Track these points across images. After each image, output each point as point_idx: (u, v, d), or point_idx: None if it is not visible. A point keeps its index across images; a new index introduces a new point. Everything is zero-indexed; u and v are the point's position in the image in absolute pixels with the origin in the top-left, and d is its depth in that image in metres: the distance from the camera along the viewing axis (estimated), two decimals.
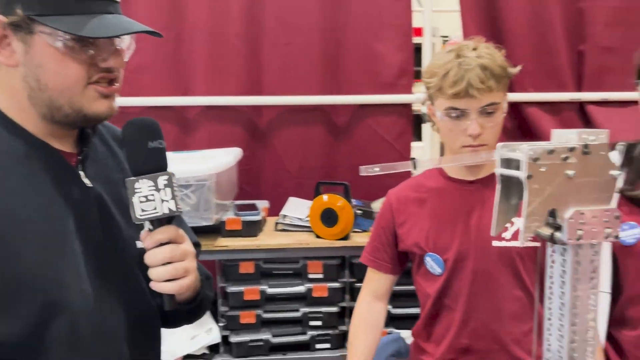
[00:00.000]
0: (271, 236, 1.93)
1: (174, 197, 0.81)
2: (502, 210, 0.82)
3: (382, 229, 1.42)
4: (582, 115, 2.22)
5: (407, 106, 2.24)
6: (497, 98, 1.24)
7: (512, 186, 0.81)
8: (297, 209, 2.01)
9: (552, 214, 0.76)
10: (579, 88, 2.22)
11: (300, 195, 2.14)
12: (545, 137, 2.35)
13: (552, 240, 0.77)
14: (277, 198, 2.15)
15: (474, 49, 1.24)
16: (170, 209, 0.81)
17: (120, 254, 0.90)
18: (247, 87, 2.18)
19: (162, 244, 0.82)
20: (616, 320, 1.31)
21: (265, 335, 1.83)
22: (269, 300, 1.87)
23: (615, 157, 1.38)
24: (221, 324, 1.86)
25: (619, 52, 2.16)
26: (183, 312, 0.95)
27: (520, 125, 2.21)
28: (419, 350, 1.43)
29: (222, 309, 1.86)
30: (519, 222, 1.26)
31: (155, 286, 0.82)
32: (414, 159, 0.82)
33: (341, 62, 2.19)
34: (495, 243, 1.27)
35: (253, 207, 1.97)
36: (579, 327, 0.79)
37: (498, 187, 0.81)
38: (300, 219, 1.95)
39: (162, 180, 0.81)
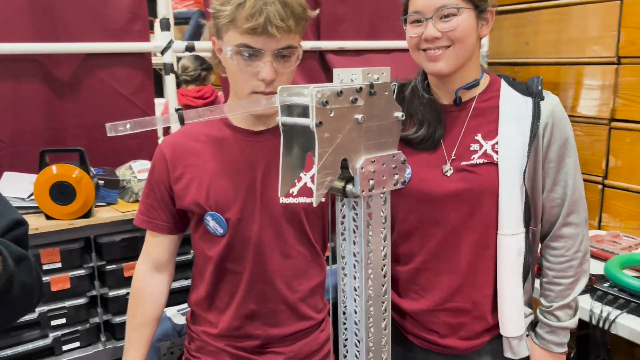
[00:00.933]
0: None
1: None
2: (287, 165, 0.70)
3: (155, 183, 1.22)
4: (322, 64, 2.26)
5: (144, 56, 1.97)
6: (295, 41, 1.11)
7: (295, 137, 0.70)
8: (16, 186, 1.61)
9: (343, 164, 0.67)
10: (318, 37, 2.25)
11: (20, 169, 1.73)
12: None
13: (344, 194, 0.69)
14: None
15: None
16: None
17: None
18: None
19: None
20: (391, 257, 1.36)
21: None
22: None
23: None
24: None
25: (350, 2, 2.24)
26: None
27: None
28: (198, 321, 1.29)
29: None
30: (305, 177, 1.19)
31: None
32: (179, 109, 0.64)
33: (56, 1, 1.79)
34: (282, 200, 1.18)
35: None
36: (374, 283, 0.73)
37: (283, 139, 0.69)
38: (22, 199, 1.57)
39: None
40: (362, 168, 0.67)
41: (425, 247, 1.30)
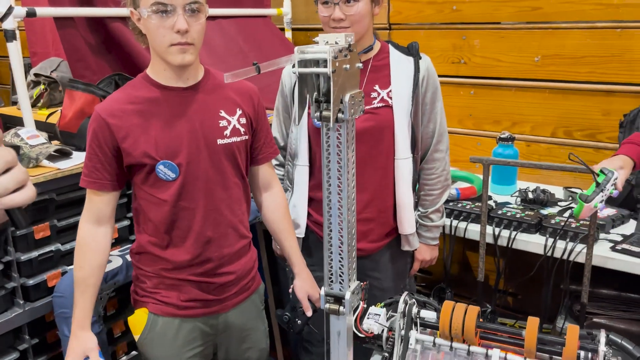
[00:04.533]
0: None
1: None
2: (301, 103, 1.00)
3: (98, 147, 1.35)
4: None
5: None
6: None
7: (304, 83, 0.99)
8: None
9: (341, 100, 1.00)
10: None
11: None
12: (131, 48, 2.40)
13: (337, 120, 1.02)
14: None
15: None
16: None
17: None
18: None
19: None
20: (313, 186, 1.74)
21: None
22: None
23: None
24: None
25: None
26: None
27: (106, 39, 2.20)
28: (154, 262, 1.44)
29: None
30: (233, 120, 1.44)
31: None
32: (256, 63, 0.86)
33: None
34: (220, 141, 1.41)
35: None
36: (349, 181, 1.09)
37: (298, 84, 0.98)
38: None
39: None
40: (349, 101, 1.01)
41: None
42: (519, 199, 2.34)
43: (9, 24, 1.86)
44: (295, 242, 1.64)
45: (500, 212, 2.15)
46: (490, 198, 2.39)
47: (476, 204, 2.23)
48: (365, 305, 1.24)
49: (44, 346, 1.65)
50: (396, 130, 1.68)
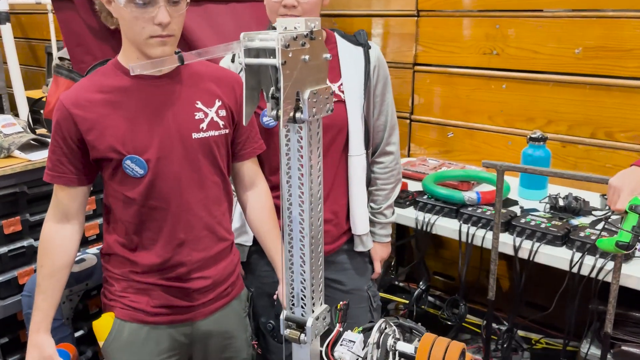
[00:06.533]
0: None
1: None
2: (249, 98, 0.85)
3: (62, 139, 1.24)
4: None
5: None
6: None
7: (255, 76, 0.85)
8: None
9: (297, 96, 0.85)
10: None
11: None
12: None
13: (294, 120, 0.87)
14: None
15: None
16: None
17: None
18: None
19: None
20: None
21: None
22: None
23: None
24: None
25: None
26: None
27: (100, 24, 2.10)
28: (122, 264, 1.35)
29: None
30: (211, 113, 1.31)
31: None
32: (179, 51, 0.73)
33: None
34: (195, 135, 1.29)
35: None
36: (314, 191, 0.93)
37: (245, 77, 0.83)
38: None
39: None
40: (308, 98, 0.85)
41: None
42: (548, 206, 2.11)
43: (3, 5, 1.79)
44: (280, 245, 1.50)
45: (523, 220, 1.94)
46: (516, 204, 2.19)
47: None
48: (341, 329, 1.09)
49: (16, 345, 1.59)
50: (350, 126, 1.59)
